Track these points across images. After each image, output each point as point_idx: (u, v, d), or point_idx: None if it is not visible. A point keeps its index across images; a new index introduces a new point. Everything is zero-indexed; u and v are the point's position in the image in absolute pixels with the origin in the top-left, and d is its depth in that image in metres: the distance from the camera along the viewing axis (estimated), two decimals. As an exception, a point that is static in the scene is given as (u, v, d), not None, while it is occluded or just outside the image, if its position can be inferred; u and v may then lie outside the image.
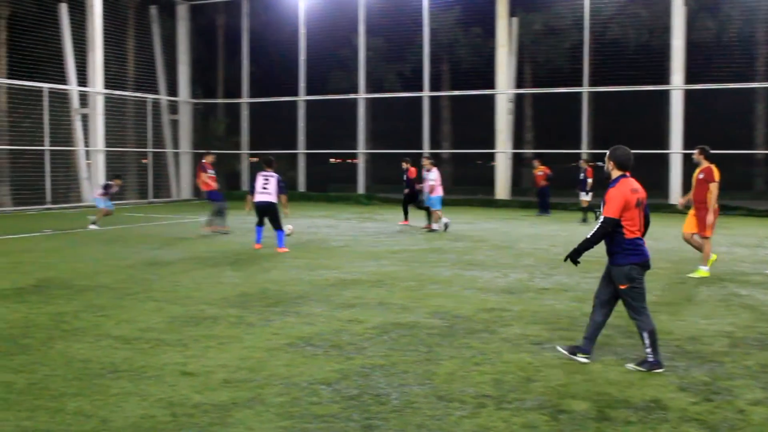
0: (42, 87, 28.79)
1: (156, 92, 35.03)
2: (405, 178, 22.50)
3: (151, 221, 23.28)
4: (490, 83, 31.56)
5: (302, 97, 34.97)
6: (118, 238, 18.29)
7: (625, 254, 6.90)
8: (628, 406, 5.87)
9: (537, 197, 26.97)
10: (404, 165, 22.65)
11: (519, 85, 32.41)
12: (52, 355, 7.29)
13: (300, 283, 11.57)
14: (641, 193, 7.00)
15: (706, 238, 12.39)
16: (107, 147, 31.52)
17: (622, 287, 6.93)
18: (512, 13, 31.39)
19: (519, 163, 32.91)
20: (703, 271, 12.45)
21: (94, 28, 30.79)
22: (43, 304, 9.83)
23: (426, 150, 31.53)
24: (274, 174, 16.02)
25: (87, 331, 8.25)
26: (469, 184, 35.01)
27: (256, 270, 12.91)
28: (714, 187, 12.19)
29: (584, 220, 23.44)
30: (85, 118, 30.82)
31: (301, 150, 35.09)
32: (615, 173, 7.03)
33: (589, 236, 6.95)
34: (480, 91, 31.92)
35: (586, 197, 23.78)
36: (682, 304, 10.10)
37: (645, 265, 6.98)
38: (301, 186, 35.26)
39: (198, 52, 38.01)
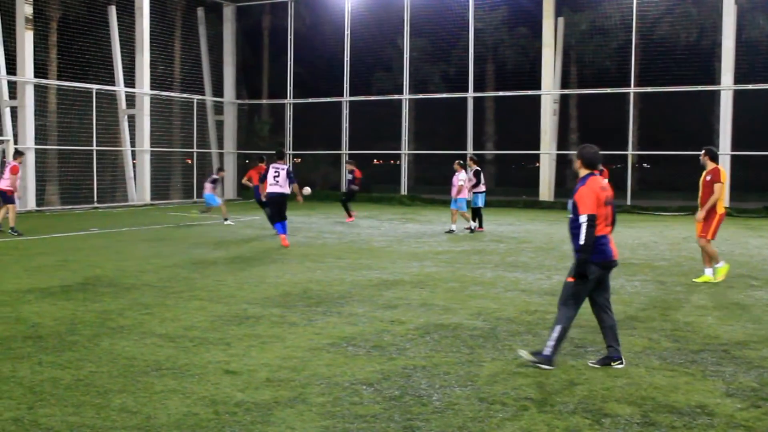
0: (91, 88, 29.26)
1: (202, 93, 35.39)
2: (352, 178, 24.50)
3: (195, 221, 23.50)
4: (535, 84, 31.34)
5: (346, 98, 35.05)
6: (162, 237, 18.51)
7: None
8: (673, 412, 5.78)
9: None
10: (348, 166, 25.03)
11: (564, 86, 32.11)
12: (98, 352, 7.39)
13: (342, 283, 11.60)
14: (609, 192, 6.99)
15: (708, 240, 11.96)
16: (153, 147, 31.93)
17: (569, 279, 6.89)
18: (558, 13, 31.14)
19: (563, 164, 32.57)
20: (707, 275, 12.06)
21: (141, 30, 31.22)
22: (90, 301, 9.98)
23: (469, 151, 31.41)
24: (285, 166, 16.86)
25: (132, 329, 8.35)
26: (513, 186, 34.80)
27: (298, 270, 12.96)
28: (718, 189, 11.78)
29: None
30: (131, 119, 31.25)
31: (345, 150, 35.18)
32: (583, 172, 7.00)
33: (582, 243, 6.73)
34: (525, 92, 31.71)
35: None
36: (730, 309, 9.91)
37: (605, 266, 6.91)
38: (345, 186, 35.24)
39: (243, 54, 38.31)
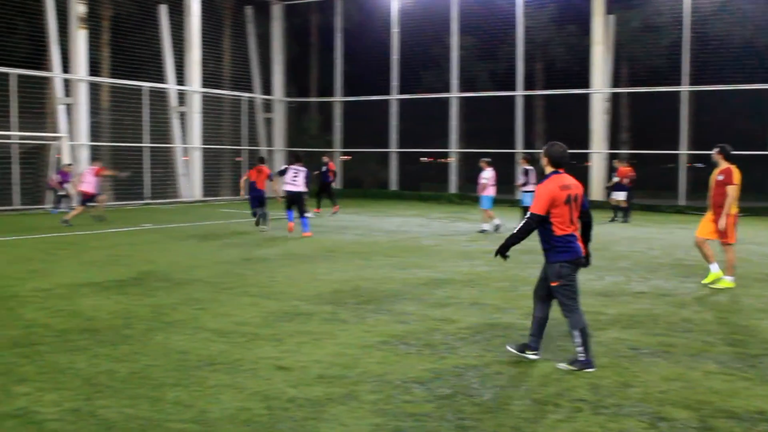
0: (142, 86, 29.70)
1: (251, 91, 35.68)
2: (325, 170, 25.89)
3: (245, 217, 23.67)
4: (585, 82, 31.02)
5: (395, 96, 35.06)
6: (213, 233, 18.69)
7: (555, 251, 6.87)
8: (732, 417, 5.67)
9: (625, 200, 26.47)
10: (324, 159, 26.54)
11: (615, 84, 31.70)
12: (152, 345, 7.48)
13: (392, 281, 11.60)
14: (574, 190, 6.92)
15: (729, 245, 11.49)
16: (203, 144, 32.28)
17: (553, 284, 6.90)
18: (609, 11, 30.75)
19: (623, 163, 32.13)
20: (728, 281, 11.52)
21: (191, 29, 31.60)
22: (144, 296, 10.12)
23: (519, 149, 31.23)
24: (303, 168, 18.51)
25: (185, 324, 8.44)
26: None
27: (349, 267, 12.99)
28: (732, 190, 11.26)
29: (614, 219, 23.55)
30: (182, 116, 31.63)
31: (394, 149, 35.20)
32: (548, 169, 7.01)
33: (515, 231, 6.93)
34: (575, 90, 31.40)
35: (619, 197, 23.73)
36: (788, 312, 9.70)
37: (576, 263, 6.91)
38: (393, 185, 35.36)
39: (292, 51, 38.52)
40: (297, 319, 8.75)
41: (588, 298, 10.39)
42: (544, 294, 7.12)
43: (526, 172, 20.38)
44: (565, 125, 34.12)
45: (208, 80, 33.05)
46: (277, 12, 36.98)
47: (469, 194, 32.60)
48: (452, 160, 34.04)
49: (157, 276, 11.81)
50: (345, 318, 8.89)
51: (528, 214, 6.86)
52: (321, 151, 36.72)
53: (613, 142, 31.99)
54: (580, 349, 6.84)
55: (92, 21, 28.79)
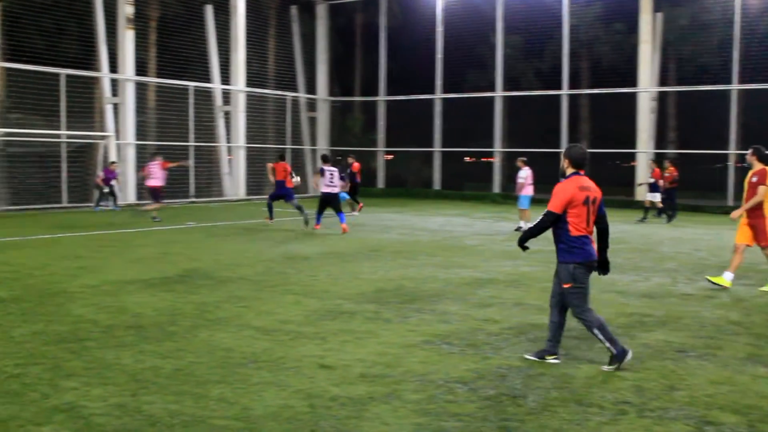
0: (188, 85, 30.02)
1: (295, 90, 35.89)
2: (349, 172, 25.62)
3: (288, 216, 23.80)
4: (632, 81, 30.68)
5: (439, 95, 35.00)
6: (256, 231, 18.82)
7: (569, 252, 6.85)
8: (782, 421, 5.56)
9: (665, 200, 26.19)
10: (349, 159, 26.30)
11: (662, 83, 31.30)
12: (197, 342, 7.55)
13: (435, 281, 11.57)
14: (593, 192, 6.92)
15: (765, 246, 11.23)
16: (247, 143, 32.53)
17: (565, 286, 6.88)
18: (657, 8, 30.38)
19: (662, 164, 31.72)
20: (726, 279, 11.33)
21: (237, 29, 31.87)
22: (188, 293, 10.22)
23: (563, 149, 30.91)
24: (335, 168, 19.36)
25: (229, 321, 8.51)
26: (608, 185, 33.94)
27: (392, 266, 12.99)
28: (762, 191, 10.96)
29: (643, 219, 23.47)
30: (227, 115, 31.90)
31: (437, 148, 35.13)
32: (569, 171, 7.04)
33: (531, 226, 7.00)
34: (621, 89, 31.06)
35: (653, 197, 23.69)
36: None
37: (589, 265, 6.89)
38: (437, 184, 35.29)
39: (336, 51, 38.66)
40: (340, 318, 8.77)
41: (633, 300, 10.28)
42: (559, 298, 7.08)
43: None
44: (610, 124, 33.80)
45: (253, 80, 33.30)
46: (321, 11, 37.14)
47: (512, 194, 32.42)
48: (496, 160, 33.87)
49: (201, 274, 11.93)
50: (388, 317, 8.88)
51: (545, 212, 6.87)
52: (365, 150, 36.93)
53: (660, 141, 31.59)
54: (608, 345, 6.81)
55: (140, 22, 29.17)
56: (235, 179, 32.07)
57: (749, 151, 11.55)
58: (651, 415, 5.64)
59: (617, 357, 6.78)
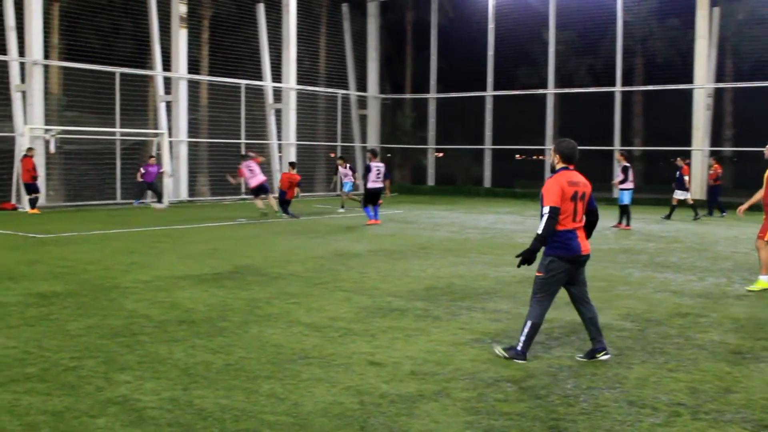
0: (239, 83, 30.27)
1: (346, 88, 35.98)
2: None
3: (338, 213, 23.92)
4: (688, 77, 30.15)
5: (489, 93, 34.80)
6: (306, 228, 18.91)
7: (551, 245, 6.86)
8: (843, 426, 5.40)
9: (707, 197, 25.77)
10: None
11: (719, 79, 30.72)
12: (247, 338, 7.60)
13: (486, 278, 11.51)
14: (582, 187, 6.92)
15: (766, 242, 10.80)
16: (298, 141, 32.70)
17: (537, 274, 6.98)
18: (714, 3, 29.80)
19: (719, 162, 31.12)
20: (764, 282, 10.84)
21: (288, 27, 32.07)
22: (239, 289, 10.30)
23: (616, 147, 30.59)
24: (382, 164, 20.12)
25: (279, 317, 8.55)
26: (661, 183, 33.49)
27: (442, 264, 12.95)
28: None
29: (668, 217, 23.21)
30: (278, 113, 32.11)
31: (488, 146, 34.94)
32: (559, 165, 7.06)
33: (539, 231, 6.83)
34: (676, 86, 30.54)
35: (681, 195, 23.34)
36: None
37: (570, 260, 6.89)
38: (487, 182, 35.10)
39: (387, 48, 38.67)
40: (390, 315, 8.76)
41: (687, 300, 10.10)
42: (577, 297, 7.14)
43: (624, 170, 19.99)
44: (664, 121, 33.28)
45: (304, 77, 33.48)
46: (372, 9, 37.18)
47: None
48: (547, 157, 33.57)
49: (251, 270, 12.01)
50: (438, 315, 8.85)
51: (547, 209, 6.80)
52: (415, 148, 36.89)
53: (715, 139, 31.00)
54: (522, 338, 6.88)
55: (193, 20, 29.54)
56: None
57: (767, 147, 11.33)
58: (706, 418, 5.52)
59: (516, 353, 6.88)
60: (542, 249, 6.92)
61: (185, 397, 5.75)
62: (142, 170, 25.94)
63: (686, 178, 23.51)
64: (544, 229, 6.81)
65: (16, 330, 7.82)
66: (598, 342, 7.03)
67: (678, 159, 24.35)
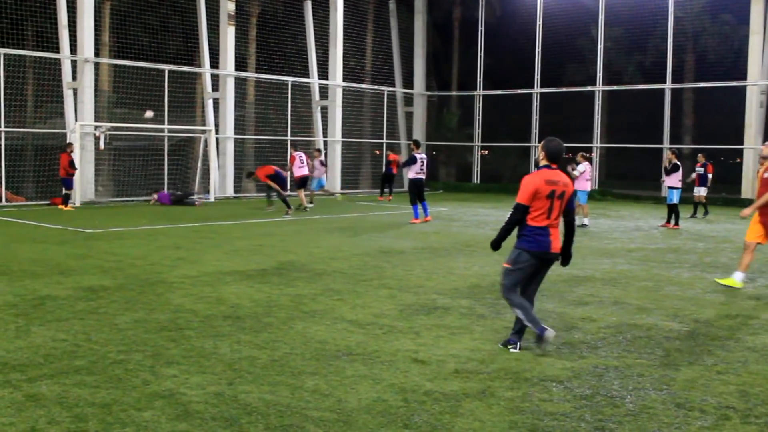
0: (287, 80, 30.44)
1: (392, 85, 35.97)
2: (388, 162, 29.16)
3: (383, 210, 23.92)
4: (741, 74, 29.58)
5: (537, 90, 34.54)
6: (351, 225, 18.95)
7: (521, 239, 7.10)
8: None
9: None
10: (388, 152, 29.92)
11: (772, 76, 30.11)
12: (292, 334, 7.63)
13: (530, 277, 11.40)
14: (561, 186, 7.03)
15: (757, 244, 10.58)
16: (344, 138, 32.79)
17: (505, 265, 7.19)
18: (769, -2, 29.19)
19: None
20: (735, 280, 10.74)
21: (335, 24, 32.14)
22: (284, 285, 10.35)
23: (666, 144, 30.16)
24: (425, 156, 19.82)
25: (324, 314, 8.57)
26: (711, 182, 33.01)
27: (486, 262, 12.87)
28: None
29: (694, 215, 23.12)
30: (324, 110, 32.23)
31: (534, 143, 34.66)
32: (542, 162, 7.21)
33: (504, 223, 7.20)
34: (728, 83, 29.99)
35: (702, 192, 23.17)
36: None
37: (537, 255, 7.05)
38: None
39: (433, 45, 38.58)
40: (434, 313, 8.74)
41: (737, 301, 9.92)
42: (528, 293, 7.31)
43: (674, 168, 19.72)
44: (715, 119, 32.66)
45: (350, 74, 33.55)
46: (419, 6, 37.10)
47: (611, 190, 31.84)
48: (594, 155, 33.22)
49: (297, 266, 12.06)
50: (482, 313, 8.81)
51: (514, 204, 7.10)
52: (461, 145, 36.77)
53: (768, 137, 30.37)
54: (530, 324, 7.05)
55: (241, 18, 29.76)
56: (331, 173, 32.37)
57: (765, 144, 11.13)
58: (756, 422, 5.41)
59: (539, 337, 6.98)
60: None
61: (230, 391, 5.79)
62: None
63: (710, 176, 23.35)
64: (506, 223, 7.19)
65: (66, 323, 7.95)
66: (516, 337, 7.23)
67: (699, 155, 24.05)
